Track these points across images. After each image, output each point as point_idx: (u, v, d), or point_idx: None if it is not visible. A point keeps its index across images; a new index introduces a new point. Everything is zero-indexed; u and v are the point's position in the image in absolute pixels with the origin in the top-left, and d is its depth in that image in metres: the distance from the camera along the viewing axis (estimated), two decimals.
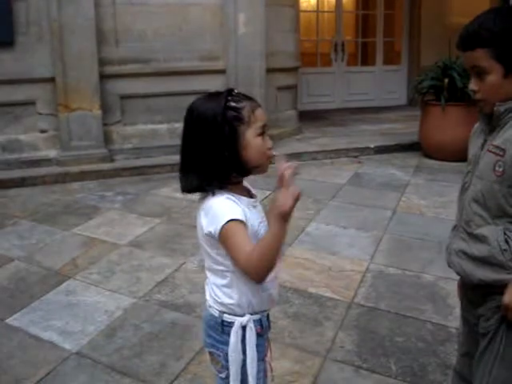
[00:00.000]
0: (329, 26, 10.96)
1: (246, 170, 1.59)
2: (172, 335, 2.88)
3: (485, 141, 1.68)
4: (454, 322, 2.92)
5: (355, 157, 6.92)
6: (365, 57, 11.17)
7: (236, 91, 1.60)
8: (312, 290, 3.35)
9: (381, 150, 7.10)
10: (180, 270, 3.66)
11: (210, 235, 1.55)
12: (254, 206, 1.64)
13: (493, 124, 1.65)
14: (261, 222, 1.63)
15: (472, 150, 1.75)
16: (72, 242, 4.16)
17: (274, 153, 1.64)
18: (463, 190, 1.76)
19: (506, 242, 1.60)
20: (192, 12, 6.50)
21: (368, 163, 6.66)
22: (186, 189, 1.62)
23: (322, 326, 2.95)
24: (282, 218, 1.44)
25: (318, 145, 7.21)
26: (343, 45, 10.57)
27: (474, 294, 1.75)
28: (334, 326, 2.94)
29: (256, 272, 1.51)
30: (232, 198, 1.56)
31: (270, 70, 6.97)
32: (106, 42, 6.22)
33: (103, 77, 6.17)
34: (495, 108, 1.61)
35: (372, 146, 7.14)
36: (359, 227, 4.42)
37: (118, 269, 3.68)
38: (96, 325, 2.98)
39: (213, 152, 1.53)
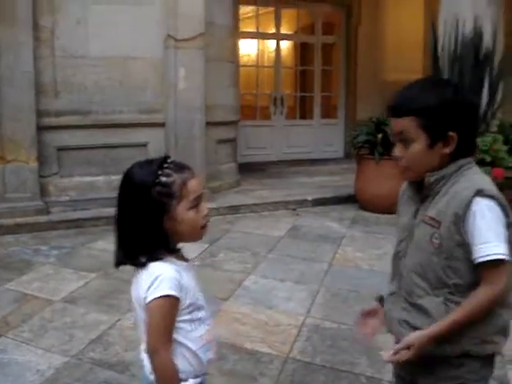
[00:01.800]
0: (268, 80, 11.25)
1: (176, 243, 1.61)
2: None
3: (417, 209, 1.70)
4: (387, 374, 2.96)
5: (293, 209, 7.02)
6: (303, 111, 11.49)
7: (170, 160, 1.57)
8: (248, 345, 3.35)
9: (318, 202, 7.23)
10: (115, 326, 3.60)
11: (142, 298, 1.55)
12: (189, 270, 1.65)
13: (424, 194, 1.67)
14: (195, 286, 1.64)
15: (404, 218, 1.77)
16: (4, 298, 4.03)
17: None
18: (397, 257, 1.78)
19: (447, 313, 1.61)
20: (133, 65, 6.56)
21: (306, 215, 6.76)
22: (116, 262, 1.62)
23: (258, 382, 2.94)
24: None
25: (257, 197, 7.29)
26: (282, 99, 10.84)
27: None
28: (270, 382, 2.94)
29: (154, 363, 1.54)
30: (174, 266, 1.56)
31: (209, 124, 7.06)
32: (45, 94, 6.18)
33: (41, 128, 6.11)
34: (426, 178, 1.64)
35: (310, 198, 7.27)
36: (296, 280, 4.46)
37: (50, 326, 3.58)
38: None
39: (139, 226, 1.53)
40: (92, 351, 3.26)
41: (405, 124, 1.62)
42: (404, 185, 1.84)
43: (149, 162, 1.57)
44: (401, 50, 10.57)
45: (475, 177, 1.63)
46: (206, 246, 5.31)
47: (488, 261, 1.55)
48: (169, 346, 1.54)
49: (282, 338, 3.45)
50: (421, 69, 9.81)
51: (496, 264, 1.56)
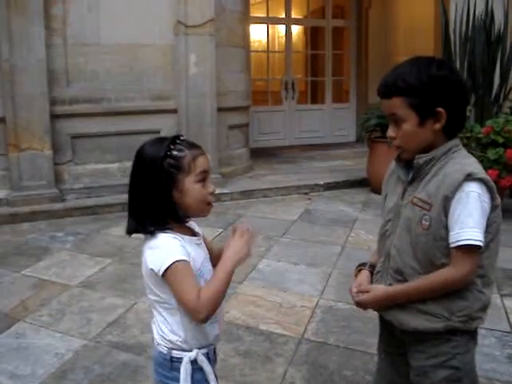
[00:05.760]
0: (279, 65, 11.25)
1: (183, 216, 1.67)
2: (123, 376, 2.87)
3: (404, 190, 1.74)
4: None
5: (306, 193, 7.05)
6: (314, 95, 11.46)
7: (182, 138, 1.66)
8: (263, 326, 3.40)
9: (330, 186, 7.25)
10: (131, 310, 3.66)
11: (154, 272, 1.59)
12: (198, 244, 1.71)
13: (413, 175, 1.71)
14: (204, 260, 1.70)
15: (392, 198, 1.80)
16: (22, 284, 4.11)
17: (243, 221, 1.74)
18: (384, 237, 1.81)
19: None
20: (143, 52, 6.59)
21: (318, 200, 6.79)
22: (128, 230, 1.69)
23: (273, 362, 2.99)
24: (234, 265, 1.58)
25: (269, 182, 7.32)
26: (293, 83, 10.83)
27: (403, 334, 1.80)
28: (285, 362, 2.98)
29: (205, 312, 1.56)
30: (177, 237, 1.62)
31: (221, 109, 7.08)
32: (58, 82, 6.23)
33: (54, 116, 6.16)
34: (415, 161, 1.68)
35: (322, 182, 7.28)
36: (309, 263, 4.50)
37: (68, 310, 3.66)
38: (46, 368, 2.95)
39: (149, 196, 1.61)
40: (109, 334, 3.33)
41: (394, 104, 1.66)
42: (392, 164, 1.86)
43: (162, 139, 1.67)
44: (412, 33, 10.47)
45: (465, 160, 1.66)
46: (220, 230, 5.36)
47: (460, 245, 1.58)
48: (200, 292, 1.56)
49: (295, 319, 3.50)
50: (432, 51, 9.75)
51: (467, 249, 1.58)
